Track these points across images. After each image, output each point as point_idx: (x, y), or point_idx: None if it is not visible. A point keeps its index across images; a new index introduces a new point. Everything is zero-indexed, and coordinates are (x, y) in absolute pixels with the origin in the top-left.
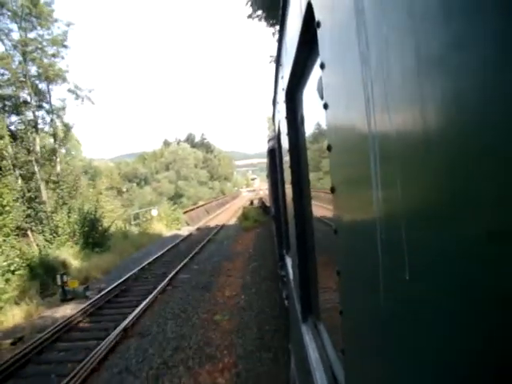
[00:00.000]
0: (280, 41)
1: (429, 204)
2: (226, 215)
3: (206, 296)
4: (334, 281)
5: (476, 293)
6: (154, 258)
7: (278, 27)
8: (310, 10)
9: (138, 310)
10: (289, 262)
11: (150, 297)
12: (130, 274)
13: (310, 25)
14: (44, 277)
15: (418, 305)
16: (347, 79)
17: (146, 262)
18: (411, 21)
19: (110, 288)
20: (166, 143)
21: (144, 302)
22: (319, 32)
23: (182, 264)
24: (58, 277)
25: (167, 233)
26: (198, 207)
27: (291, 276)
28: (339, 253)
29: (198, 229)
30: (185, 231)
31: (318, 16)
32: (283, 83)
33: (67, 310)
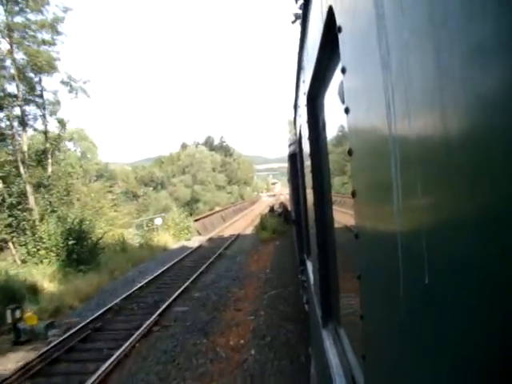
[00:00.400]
0: (301, 44)
1: (450, 209)
2: (243, 223)
3: (202, 345)
4: (355, 285)
5: (497, 298)
6: (150, 278)
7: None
8: (331, 14)
9: (103, 367)
10: (309, 266)
11: (127, 344)
12: (114, 302)
13: (331, 29)
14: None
15: (438, 310)
16: (368, 84)
17: (138, 286)
18: (432, 25)
19: (81, 325)
20: (184, 146)
21: (116, 355)
22: (340, 36)
23: (180, 289)
24: (8, 312)
25: (174, 244)
26: (212, 214)
27: (312, 281)
28: (360, 257)
29: (210, 239)
30: (194, 242)
31: (339, 21)
32: (304, 87)
33: (8, 364)
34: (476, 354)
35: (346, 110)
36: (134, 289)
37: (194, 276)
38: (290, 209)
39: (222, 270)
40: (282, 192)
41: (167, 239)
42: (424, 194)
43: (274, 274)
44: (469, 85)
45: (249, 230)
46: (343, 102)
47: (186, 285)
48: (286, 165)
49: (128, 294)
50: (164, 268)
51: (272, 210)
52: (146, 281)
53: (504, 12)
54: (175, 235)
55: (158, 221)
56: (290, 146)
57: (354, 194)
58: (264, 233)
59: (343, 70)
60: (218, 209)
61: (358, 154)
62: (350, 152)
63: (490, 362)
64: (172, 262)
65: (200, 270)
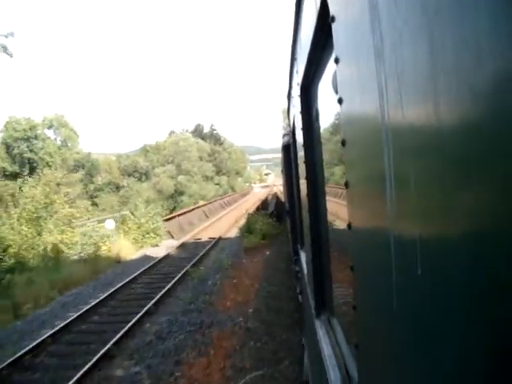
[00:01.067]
0: (295, 35)
1: (442, 200)
2: (229, 220)
3: None
4: (348, 276)
5: (489, 288)
6: (71, 319)
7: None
8: (324, 4)
9: None
10: (303, 256)
11: None
12: None
13: (324, 19)
14: None
15: (430, 300)
16: (362, 74)
17: (39, 339)
18: (425, 15)
19: None
20: (172, 134)
21: None
22: (334, 26)
23: (101, 352)
24: None
25: (133, 254)
26: (192, 210)
27: (305, 271)
28: (353, 248)
29: (183, 246)
30: (160, 250)
31: (332, 10)
32: (298, 78)
33: None
34: (468, 342)
35: (340, 101)
36: (32, 345)
37: (136, 318)
38: (283, 200)
39: (180, 307)
40: (275, 183)
41: (125, 247)
42: (417, 184)
43: (260, 319)
44: (462, 75)
45: (233, 232)
46: (336, 92)
47: (114, 340)
48: (279, 155)
49: (13, 358)
50: (101, 297)
51: (262, 207)
52: (59, 327)
53: (498, 2)
54: (137, 240)
55: (109, 224)
56: (283, 136)
57: (347, 185)
58: (250, 238)
59: (336, 60)
60: (201, 203)
61: (352, 144)
62: (343, 142)
63: (483, 349)
64: (116, 286)
65: (148, 307)
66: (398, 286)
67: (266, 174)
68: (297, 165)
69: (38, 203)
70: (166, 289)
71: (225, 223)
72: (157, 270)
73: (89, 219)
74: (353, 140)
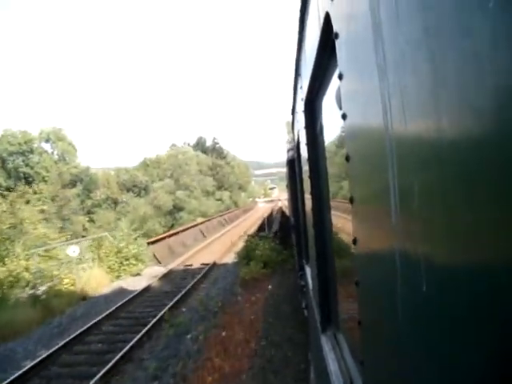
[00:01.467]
0: (298, 50)
1: (448, 215)
2: (228, 240)
3: None
4: (353, 291)
5: (495, 304)
6: None
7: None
8: (328, 20)
9: None
10: (308, 271)
11: None
12: None
13: (328, 36)
14: None
15: (436, 316)
16: (365, 90)
17: None
18: (427, 33)
19: None
20: (173, 147)
21: None
22: (337, 43)
23: None
24: None
25: (105, 287)
26: (186, 229)
27: (311, 286)
28: (358, 263)
29: (168, 275)
30: (140, 282)
31: (336, 27)
32: (302, 93)
33: None
34: (474, 360)
35: (344, 116)
36: None
37: None
38: (289, 215)
39: None
40: (279, 197)
41: (97, 277)
42: (422, 200)
43: None
44: (463, 90)
45: (231, 255)
46: (340, 107)
47: None
48: (284, 170)
49: None
50: (41, 357)
51: (264, 226)
52: None
53: (497, 22)
54: (113, 269)
55: (73, 251)
56: (288, 151)
57: (351, 200)
58: (249, 267)
59: (340, 76)
60: (199, 220)
61: (356, 159)
62: (347, 158)
63: (489, 368)
64: (66, 339)
65: (93, 381)
66: (403, 302)
67: (271, 189)
68: (301, 179)
69: (2, 223)
70: (129, 346)
71: (223, 244)
72: (128, 311)
73: (66, 240)
74: (357, 155)
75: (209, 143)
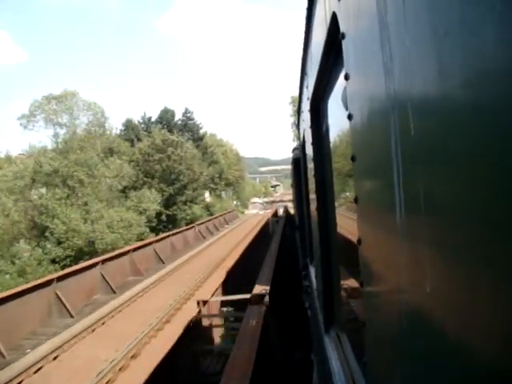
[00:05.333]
0: (305, 50)
1: (453, 216)
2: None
3: None
4: (357, 291)
5: (499, 307)
6: None
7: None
8: (334, 21)
9: None
10: (312, 272)
11: None
12: None
13: (334, 36)
14: None
15: (440, 318)
16: (371, 90)
17: None
18: (433, 34)
19: None
20: (129, 125)
21: None
22: (344, 43)
23: None
24: None
25: None
26: None
27: (314, 286)
28: (362, 263)
29: None
30: None
31: (342, 27)
32: (308, 92)
33: None
34: (477, 362)
35: (349, 116)
36: None
37: None
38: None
39: None
40: (283, 197)
41: None
42: (427, 200)
43: None
44: (470, 92)
45: None
46: (346, 108)
47: None
48: (289, 167)
49: None
50: None
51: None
52: None
53: (504, 23)
54: None
55: None
56: (293, 150)
57: (356, 200)
58: None
59: (346, 77)
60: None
61: (361, 160)
62: (352, 158)
63: (493, 371)
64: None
65: None
66: (407, 303)
67: (274, 186)
68: (306, 179)
69: None
70: None
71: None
72: None
73: None
74: (362, 155)
75: (178, 116)
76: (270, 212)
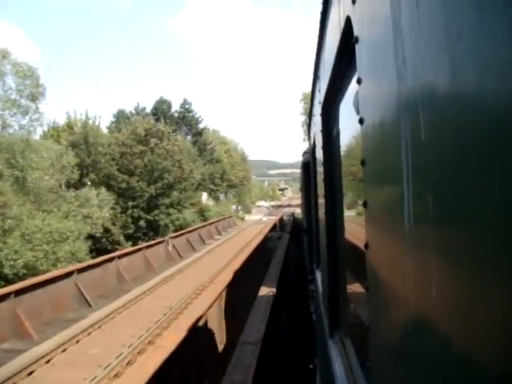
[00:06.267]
0: (318, 53)
1: (462, 221)
2: None
3: None
4: (363, 296)
5: (505, 312)
6: None
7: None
8: (348, 24)
9: None
10: (319, 276)
11: None
12: None
13: (348, 39)
14: None
15: (446, 323)
16: (383, 95)
17: None
18: (447, 38)
19: None
20: (120, 116)
21: None
22: (357, 47)
23: None
24: None
25: None
26: None
27: (320, 290)
28: (369, 268)
29: None
30: None
31: (356, 31)
32: (320, 96)
33: None
34: (485, 369)
35: (361, 121)
36: None
37: None
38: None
39: None
40: (291, 202)
41: None
42: (436, 206)
43: None
44: (484, 97)
45: None
46: (358, 112)
47: None
48: (298, 170)
49: None
50: None
51: None
52: None
53: None
54: None
55: None
56: (303, 154)
57: (365, 205)
58: None
59: (359, 81)
60: None
61: (371, 164)
62: (363, 162)
63: (498, 377)
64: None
65: None
66: (413, 309)
67: (282, 190)
68: (315, 183)
69: None
70: None
71: None
72: None
73: None
74: (372, 160)
75: (176, 108)
76: (274, 219)
